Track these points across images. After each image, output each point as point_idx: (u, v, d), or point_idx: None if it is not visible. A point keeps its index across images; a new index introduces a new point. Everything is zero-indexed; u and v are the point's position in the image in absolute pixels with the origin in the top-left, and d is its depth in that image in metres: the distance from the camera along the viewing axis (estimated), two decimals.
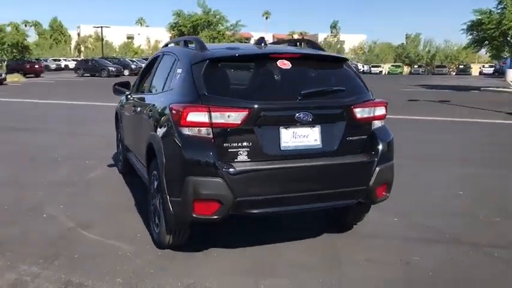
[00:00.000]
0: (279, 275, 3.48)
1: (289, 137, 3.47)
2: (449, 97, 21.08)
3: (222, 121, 3.32)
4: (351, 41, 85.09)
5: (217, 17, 49.57)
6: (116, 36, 77.88)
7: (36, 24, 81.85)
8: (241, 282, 3.37)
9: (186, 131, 3.37)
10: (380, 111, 3.81)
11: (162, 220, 3.71)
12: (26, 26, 72.64)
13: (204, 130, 3.33)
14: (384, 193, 3.82)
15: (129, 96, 5.68)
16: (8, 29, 53.55)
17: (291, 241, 4.07)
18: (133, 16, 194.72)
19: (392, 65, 69.79)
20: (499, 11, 30.61)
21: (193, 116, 3.32)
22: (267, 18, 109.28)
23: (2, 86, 27.22)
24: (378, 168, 3.68)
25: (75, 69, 45.80)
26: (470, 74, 64.33)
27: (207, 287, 3.26)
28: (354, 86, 3.86)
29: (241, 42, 45.05)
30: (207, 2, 48.93)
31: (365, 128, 3.74)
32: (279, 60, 3.66)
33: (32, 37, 70.32)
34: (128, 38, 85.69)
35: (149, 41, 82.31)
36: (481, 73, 64.85)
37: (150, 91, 4.83)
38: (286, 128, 3.47)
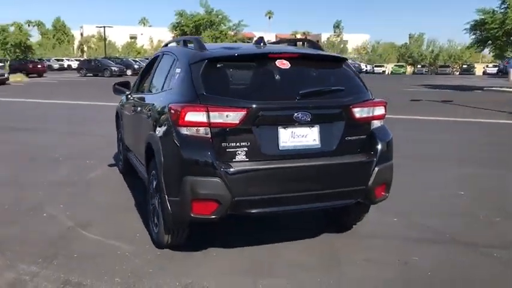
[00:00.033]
0: (277, 275, 3.48)
1: (288, 136, 3.47)
2: (452, 97, 21.03)
3: (220, 121, 3.32)
4: (354, 41, 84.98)
5: (220, 16, 49.53)
6: (118, 36, 77.95)
7: (39, 24, 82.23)
8: (239, 282, 3.37)
9: (184, 130, 3.37)
10: (379, 111, 3.80)
11: (161, 220, 3.71)
12: (29, 26, 73.04)
13: (202, 130, 3.34)
14: (383, 193, 3.82)
15: (129, 96, 5.70)
16: (11, 29, 53.81)
17: (290, 241, 4.07)
18: (136, 16, 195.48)
19: (395, 65, 69.67)
20: (502, 10, 30.50)
21: (192, 116, 3.33)
22: (269, 18, 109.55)
23: (4, 86, 27.27)
24: (376, 168, 3.67)
25: (78, 69, 45.87)
26: (473, 74, 64.07)
27: (205, 287, 3.26)
28: (353, 85, 3.86)
29: (244, 42, 45.00)
30: (209, 2, 48.93)
31: (364, 128, 3.74)
32: (278, 60, 3.65)
33: (35, 37, 70.62)
34: (131, 38, 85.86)
35: (152, 41, 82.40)
36: (484, 73, 64.59)
37: (149, 91, 4.84)
38: (284, 127, 3.46)
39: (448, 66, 70.21)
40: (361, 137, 3.71)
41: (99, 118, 12.55)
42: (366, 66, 67.53)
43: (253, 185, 3.38)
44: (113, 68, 43.15)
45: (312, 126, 3.52)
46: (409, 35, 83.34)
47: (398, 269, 3.61)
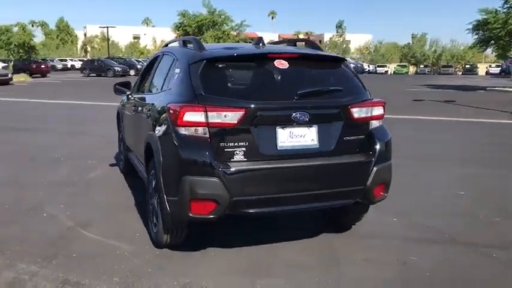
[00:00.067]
0: (275, 275, 3.48)
1: (286, 136, 3.47)
2: (454, 97, 20.97)
3: (219, 121, 3.32)
4: (356, 41, 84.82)
5: (222, 17, 49.54)
6: (122, 36, 78.14)
7: (43, 25, 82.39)
8: (237, 282, 3.37)
9: (182, 130, 3.37)
10: (378, 111, 3.80)
11: (160, 219, 3.72)
12: (32, 26, 73.00)
13: (200, 130, 3.34)
14: (381, 193, 3.81)
15: (130, 96, 5.71)
16: (15, 29, 53.83)
17: (288, 241, 4.07)
18: (139, 16, 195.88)
19: (398, 65, 69.46)
20: (505, 10, 30.39)
21: (190, 116, 3.33)
22: (272, 18, 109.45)
23: (8, 86, 27.33)
24: (375, 168, 3.67)
25: (81, 69, 45.96)
26: (476, 74, 63.86)
27: (203, 287, 3.27)
28: (351, 85, 3.85)
29: (246, 42, 45.00)
30: (212, 2, 49.01)
31: (362, 128, 3.73)
32: (277, 60, 3.65)
33: (38, 37, 70.83)
34: (134, 38, 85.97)
35: (155, 41, 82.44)
36: (487, 73, 64.35)
37: (149, 91, 4.85)
38: (282, 127, 3.46)
39: (450, 66, 69.93)
40: (360, 137, 3.71)
41: (100, 118, 12.58)
42: (369, 66, 67.41)
43: (251, 185, 3.38)
44: (116, 68, 43.22)
45: (310, 126, 3.52)
46: (412, 35, 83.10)
47: (398, 269, 3.60)
